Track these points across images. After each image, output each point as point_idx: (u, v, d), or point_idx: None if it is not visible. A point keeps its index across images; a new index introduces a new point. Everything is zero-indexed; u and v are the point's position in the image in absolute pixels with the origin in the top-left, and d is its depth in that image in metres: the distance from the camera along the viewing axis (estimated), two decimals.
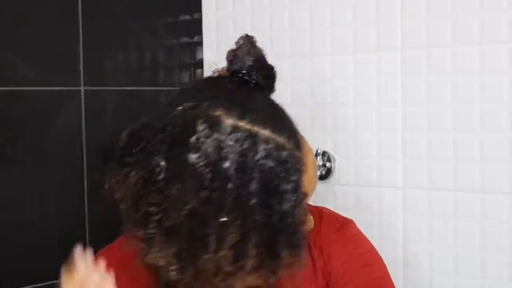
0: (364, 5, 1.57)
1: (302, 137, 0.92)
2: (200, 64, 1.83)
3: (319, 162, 1.62)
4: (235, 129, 0.83)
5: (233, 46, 0.93)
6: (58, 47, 1.57)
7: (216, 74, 0.95)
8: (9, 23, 1.49)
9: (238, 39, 0.93)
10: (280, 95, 1.71)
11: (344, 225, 1.07)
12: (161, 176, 0.82)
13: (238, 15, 1.78)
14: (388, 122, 1.55)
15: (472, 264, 1.45)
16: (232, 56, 0.92)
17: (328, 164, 1.62)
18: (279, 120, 0.89)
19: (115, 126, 1.68)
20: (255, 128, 0.84)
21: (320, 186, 1.63)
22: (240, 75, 0.90)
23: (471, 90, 1.44)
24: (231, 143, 0.82)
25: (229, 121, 0.83)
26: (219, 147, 0.81)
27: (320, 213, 1.10)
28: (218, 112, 0.83)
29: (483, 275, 1.44)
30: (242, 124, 0.83)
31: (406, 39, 1.51)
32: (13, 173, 1.51)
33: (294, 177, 0.86)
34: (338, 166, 1.62)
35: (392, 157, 1.54)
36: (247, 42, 0.92)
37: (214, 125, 0.82)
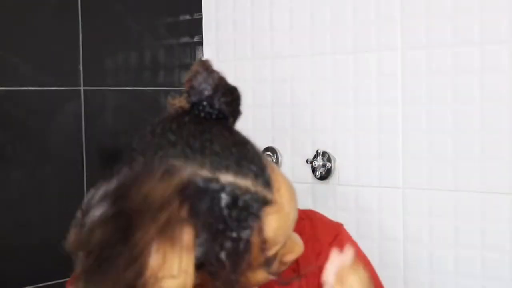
0: (364, 5, 1.57)
1: (273, 170, 0.86)
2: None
3: (319, 162, 1.62)
4: (193, 179, 0.79)
5: (189, 73, 0.87)
6: (58, 47, 1.58)
7: (176, 105, 0.86)
8: (9, 23, 1.49)
9: (193, 65, 0.86)
10: (280, 96, 1.72)
11: (338, 233, 1.03)
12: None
13: (238, 15, 1.78)
14: (388, 122, 1.55)
15: (472, 264, 1.45)
16: (189, 87, 0.86)
17: (328, 164, 1.62)
18: (243, 159, 0.83)
19: (115, 126, 1.68)
20: (216, 175, 0.80)
21: (320, 186, 1.63)
22: (201, 107, 0.85)
23: (471, 90, 1.44)
24: (189, 195, 0.78)
25: (187, 171, 0.79)
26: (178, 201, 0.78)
27: (310, 219, 1.08)
28: (176, 163, 0.80)
29: (483, 275, 1.44)
30: (202, 173, 0.80)
31: (406, 39, 1.51)
32: (13, 173, 1.51)
33: (256, 224, 0.82)
34: (338, 166, 1.62)
35: (392, 157, 1.54)
36: (202, 69, 0.86)
37: (171, 178, 0.79)
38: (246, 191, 0.81)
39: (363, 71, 1.58)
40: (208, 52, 1.82)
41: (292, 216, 0.87)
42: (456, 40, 1.45)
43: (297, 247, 0.92)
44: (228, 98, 0.86)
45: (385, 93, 1.55)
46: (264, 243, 0.83)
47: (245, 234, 0.81)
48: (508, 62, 1.39)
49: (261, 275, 0.87)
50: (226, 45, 1.80)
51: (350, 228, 1.12)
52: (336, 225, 1.07)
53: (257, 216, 0.81)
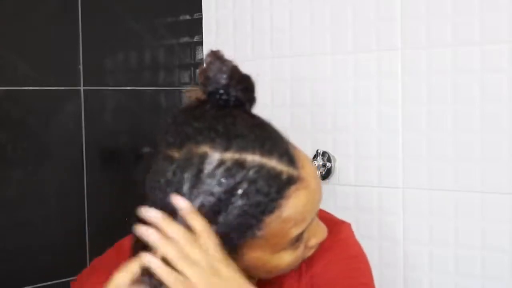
0: (364, 5, 1.57)
1: (295, 148, 0.89)
2: (200, 64, 1.83)
3: (319, 162, 1.62)
4: (221, 162, 0.82)
5: (203, 65, 0.89)
6: (58, 47, 1.57)
7: (193, 96, 0.89)
8: (9, 23, 1.49)
9: (206, 57, 0.88)
10: (280, 95, 1.72)
11: (334, 227, 1.03)
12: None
13: (238, 15, 1.78)
14: (388, 122, 1.55)
15: (472, 264, 1.45)
16: (204, 78, 0.88)
17: (328, 164, 1.62)
18: (267, 139, 0.86)
19: (115, 126, 1.68)
20: (243, 156, 0.83)
21: None
22: (217, 96, 0.87)
23: (471, 90, 1.44)
24: (217, 178, 0.82)
25: (215, 155, 0.82)
26: (206, 183, 0.82)
27: None
28: (203, 149, 0.83)
29: (483, 275, 1.44)
30: (229, 155, 0.83)
31: (406, 39, 1.52)
32: (13, 173, 1.51)
33: (284, 201, 0.85)
34: (338, 166, 1.62)
35: (392, 157, 1.54)
36: (215, 58, 0.88)
37: (201, 163, 0.82)
38: (272, 170, 0.84)
39: (363, 71, 1.58)
40: None
41: (319, 192, 0.90)
42: (456, 40, 1.45)
43: (320, 231, 0.93)
44: (244, 85, 0.89)
45: (385, 93, 1.55)
46: (292, 221, 0.86)
47: (272, 214, 0.84)
48: (508, 62, 1.39)
49: (288, 257, 0.90)
50: (226, 45, 1.80)
51: None
52: (338, 222, 1.06)
53: (284, 194, 0.84)
